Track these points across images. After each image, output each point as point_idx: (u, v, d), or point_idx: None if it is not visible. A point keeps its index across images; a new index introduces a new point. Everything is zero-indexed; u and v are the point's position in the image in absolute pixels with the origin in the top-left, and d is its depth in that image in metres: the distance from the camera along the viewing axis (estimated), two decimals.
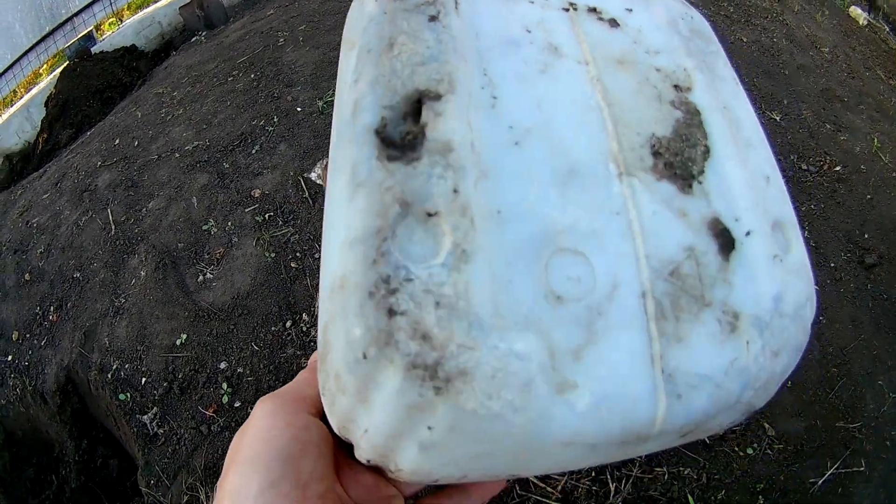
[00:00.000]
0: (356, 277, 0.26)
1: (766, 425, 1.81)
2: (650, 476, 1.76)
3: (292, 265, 2.06)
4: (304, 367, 0.41)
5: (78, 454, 2.46)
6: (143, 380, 2.18)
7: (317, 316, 2.19)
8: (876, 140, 2.56)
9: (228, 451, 0.35)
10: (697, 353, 0.29)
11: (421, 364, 0.24)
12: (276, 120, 2.35)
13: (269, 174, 2.21)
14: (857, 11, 3.15)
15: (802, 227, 2.32)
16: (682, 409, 0.28)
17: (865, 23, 3.11)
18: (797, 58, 2.73)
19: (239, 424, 2.09)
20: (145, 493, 2.00)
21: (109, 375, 2.23)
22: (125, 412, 2.17)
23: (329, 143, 0.37)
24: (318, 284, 2.06)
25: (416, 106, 0.30)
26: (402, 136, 0.29)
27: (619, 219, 0.30)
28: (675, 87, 0.38)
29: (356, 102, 0.31)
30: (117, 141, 2.62)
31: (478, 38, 0.35)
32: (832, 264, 2.17)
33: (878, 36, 3.12)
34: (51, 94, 3.12)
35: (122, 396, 2.17)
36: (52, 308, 2.53)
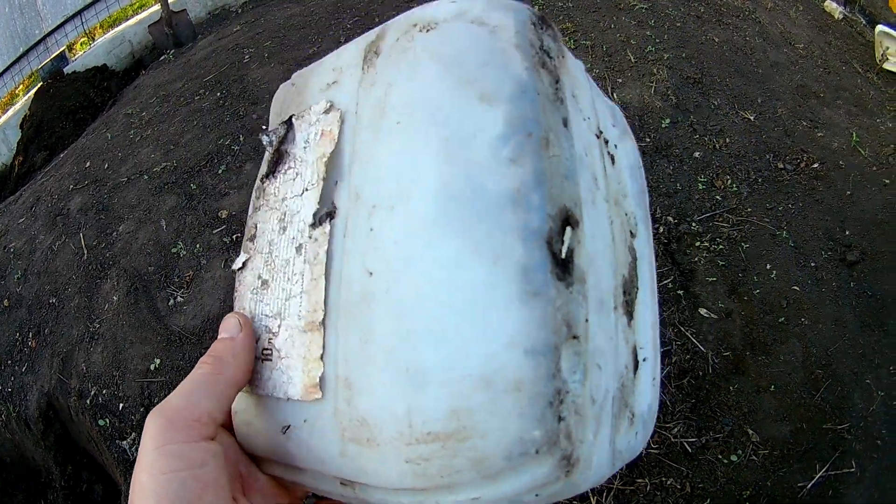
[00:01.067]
0: (538, 387, 0.29)
1: (750, 431, 1.74)
2: (632, 488, 1.69)
3: None
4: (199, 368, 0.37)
5: (63, 479, 2.40)
6: (121, 405, 2.11)
7: None
8: (854, 134, 2.48)
9: (131, 485, 0.33)
10: (622, 437, 0.38)
11: (566, 456, 0.30)
12: (241, 139, 2.27)
13: (235, 195, 2.13)
14: (832, 6, 3.06)
15: (781, 228, 2.26)
16: (614, 470, 0.37)
17: (841, 17, 3.02)
18: (771, 55, 2.64)
19: None
20: None
21: (88, 401, 2.16)
22: (105, 438, 2.11)
23: None
24: None
25: (563, 224, 0.32)
26: (557, 254, 0.31)
27: (612, 342, 0.37)
28: (630, 232, 0.45)
29: (518, 191, 0.31)
30: (88, 164, 2.54)
31: (575, 148, 0.36)
32: (813, 264, 2.10)
33: (854, 29, 3.03)
34: (25, 115, 3.04)
35: (101, 422, 2.11)
36: (30, 334, 2.46)
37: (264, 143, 0.47)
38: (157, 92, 2.57)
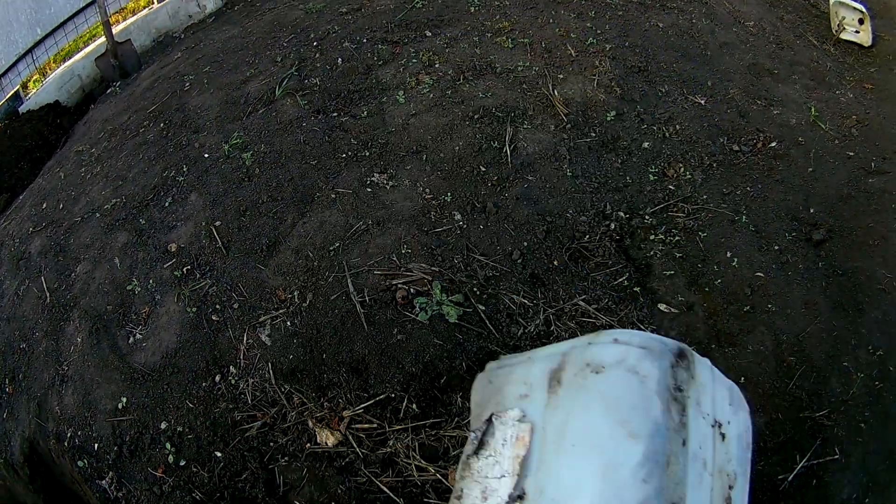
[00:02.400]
0: None
1: None
2: None
3: (213, 318, 1.91)
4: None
5: None
6: (96, 445, 2.06)
7: (243, 368, 2.01)
8: (813, 109, 2.37)
9: None
10: None
11: None
12: (185, 169, 2.18)
13: (182, 227, 2.05)
14: None
15: (740, 212, 2.16)
16: None
17: None
18: (719, 36, 2.52)
19: (187, 483, 1.95)
20: None
21: (66, 443, 2.11)
22: (85, 478, 2.07)
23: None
24: (238, 336, 1.91)
25: None
26: None
27: None
28: (730, 486, 0.69)
29: (645, 501, 0.55)
30: (44, 205, 2.46)
31: (690, 452, 0.62)
32: (777, 247, 2.00)
33: (807, 2, 2.90)
34: None
35: (80, 463, 2.06)
36: (6, 380, 2.41)
37: (472, 434, 0.71)
38: (105, 127, 2.47)
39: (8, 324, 2.43)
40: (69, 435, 2.12)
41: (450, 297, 1.78)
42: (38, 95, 2.94)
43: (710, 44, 2.46)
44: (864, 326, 1.84)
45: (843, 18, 2.65)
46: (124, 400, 2.02)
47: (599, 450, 0.57)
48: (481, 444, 0.68)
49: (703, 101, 2.32)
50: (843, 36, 2.69)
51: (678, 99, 2.29)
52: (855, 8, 2.57)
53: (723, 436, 0.73)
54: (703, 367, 0.76)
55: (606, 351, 0.64)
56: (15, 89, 3.02)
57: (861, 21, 2.61)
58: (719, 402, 0.74)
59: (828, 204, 2.11)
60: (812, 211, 2.10)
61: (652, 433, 0.57)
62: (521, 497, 0.61)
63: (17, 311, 2.41)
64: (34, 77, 3.02)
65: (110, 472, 2.02)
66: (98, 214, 2.22)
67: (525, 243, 1.87)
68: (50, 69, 3.03)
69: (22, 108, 2.97)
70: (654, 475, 0.55)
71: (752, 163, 2.25)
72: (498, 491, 0.61)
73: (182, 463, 1.90)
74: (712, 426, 0.72)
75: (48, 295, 2.28)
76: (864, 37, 2.63)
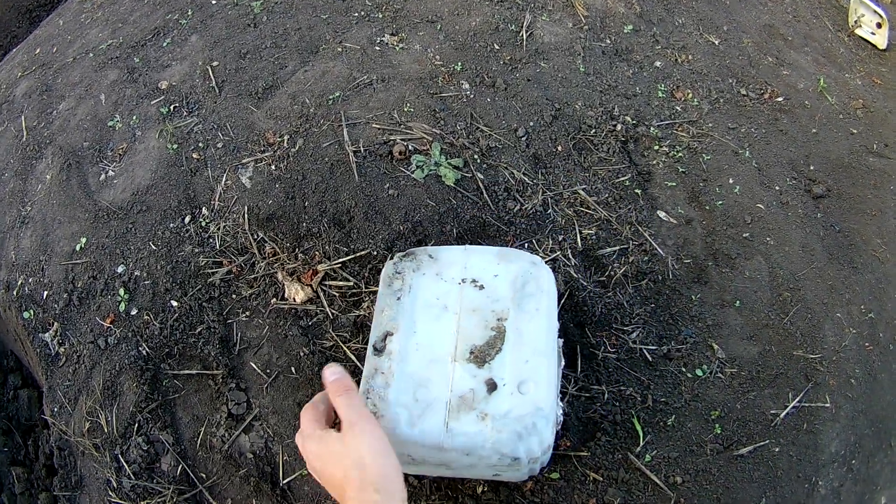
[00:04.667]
0: (361, 389, 0.96)
1: (715, 346, 1.47)
2: (587, 395, 1.38)
3: (194, 156, 1.68)
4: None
5: None
6: (45, 293, 1.78)
7: (216, 210, 1.77)
8: (822, 80, 2.26)
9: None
10: (464, 423, 0.91)
11: (373, 412, 0.93)
12: (190, 13, 1.97)
13: (177, 66, 1.83)
14: None
15: (743, 147, 2.01)
16: (454, 442, 0.90)
17: None
18: None
19: (136, 335, 1.65)
20: (50, 422, 1.60)
21: (15, 293, 1.82)
22: (29, 332, 1.77)
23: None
24: (217, 176, 1.68)
25: (386, 335, 0.99)
26: (380, 347, 0.98)
27: (446, 377, 0.94)
28: (499, 318, 0.98)
29: (370, 331, 1.04)
30: (38, 50, 2.21)
31: (415, 303, 1.01)
32: (777, 187, 1.86)
33: None
34: None
35: (26, 314, 1.77)
36: None
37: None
38: None
39: None
40: (19, 283, 1.84)
41: (449, 160, 1.59)
42: None
43: None
44: (858, 285, 1.69)
45: (862, 16, 2.53)
46: (84, 241, 1.76)
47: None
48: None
49: (716, 42, 2.20)
50: (859, 32, 2.58)
51: (693, 33, 2.16)
52: (875, 11, 2.44)
53: (481, 287, 1.00)
54: (450, 251, 1.06)
55: (385, 265, 1.08)
56: None
57: (879, 25, 2.49)
58: (473, 266, 1.02)
59: (828, 167, 1.98)
60: (812, 168, 1.97)
61: (381, 296, 1.03)
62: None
63: None
64: None
65: (55, 324, 1.74)
66: (91, 55, 1.99)
67: (531, 123, 1.70)
68: None
69: None
70: (377, 316, 0.99)
71: (757, 109, 2.12)
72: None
73: (133, 312, 1.63)
74: (459, 283, 1.01)
75: (25, 133, 2.02)
76: (880, 40, 2.51)
